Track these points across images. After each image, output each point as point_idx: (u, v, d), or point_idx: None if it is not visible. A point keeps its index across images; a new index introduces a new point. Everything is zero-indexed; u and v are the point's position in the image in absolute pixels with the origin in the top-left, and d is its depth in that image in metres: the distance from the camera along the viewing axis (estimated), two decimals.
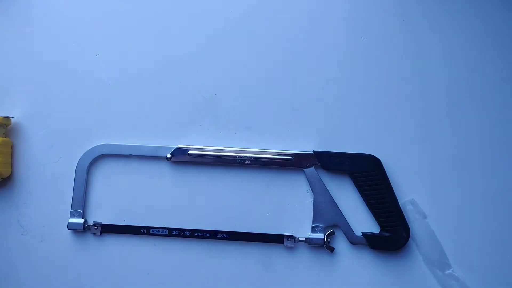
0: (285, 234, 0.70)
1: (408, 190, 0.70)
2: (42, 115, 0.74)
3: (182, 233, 0.71)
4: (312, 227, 0.70)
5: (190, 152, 0.72)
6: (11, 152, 0.73)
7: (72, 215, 0.71)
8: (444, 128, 0.72)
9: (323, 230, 0.70)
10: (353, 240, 0.70)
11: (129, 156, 0.73)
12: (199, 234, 0.71)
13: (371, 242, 0.69)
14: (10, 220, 0.73)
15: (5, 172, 0.72)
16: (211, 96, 0.74)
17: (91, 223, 0.71)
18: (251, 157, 0.71)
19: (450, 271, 0.68)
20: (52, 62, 0.76)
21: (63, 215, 0.72)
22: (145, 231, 0.71)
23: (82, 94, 0.75)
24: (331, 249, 0.70)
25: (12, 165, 0.73)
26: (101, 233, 0.71)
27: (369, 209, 0.70)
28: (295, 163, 0.71)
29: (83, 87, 0.75)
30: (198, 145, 0.72)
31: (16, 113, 0.74)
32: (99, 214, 0.72)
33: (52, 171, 0.73)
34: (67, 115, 0.74)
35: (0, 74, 0.76)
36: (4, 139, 0.72)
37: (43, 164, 0.73)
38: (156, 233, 0.71)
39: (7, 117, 0.73)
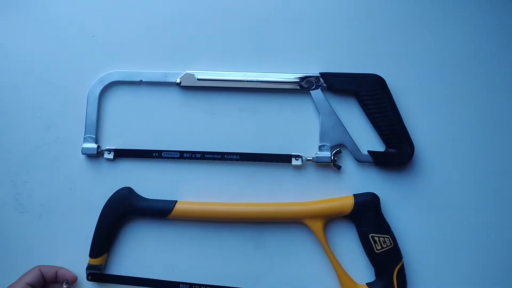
0: (293, 153, 0.72)
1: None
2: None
3: (193, 156, 0.73)
4: (319, 146, 0.72)
5: (198, 77, 0.73)
6: None
7: (85, 140, 0.73)
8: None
9: (330, 149, 0.72)
10: (359, 158, 0.72)
11: (139, 83, 0.74)
12: (209, 156, 0.73)
13: (376, 159, 0.71)
14: (7, 198, 0.74)
15: None
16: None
17: (104, 148, 0.74)
18: (258, 80, 0.73)
19: None
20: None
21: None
22: (157, 154, 0.73)
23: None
24: (338, 167, 0.72)
25: None
26: (114, 158, 0.73)
27: (374, 128, 0.72)
28: (301, 86, 0.72)
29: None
30: (206, 70, 0.74)
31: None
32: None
33: (49, 151, 0.74)
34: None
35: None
36: None
37: (41, 144, 0.74)
38: (168, 156, 0.73)
39: None
